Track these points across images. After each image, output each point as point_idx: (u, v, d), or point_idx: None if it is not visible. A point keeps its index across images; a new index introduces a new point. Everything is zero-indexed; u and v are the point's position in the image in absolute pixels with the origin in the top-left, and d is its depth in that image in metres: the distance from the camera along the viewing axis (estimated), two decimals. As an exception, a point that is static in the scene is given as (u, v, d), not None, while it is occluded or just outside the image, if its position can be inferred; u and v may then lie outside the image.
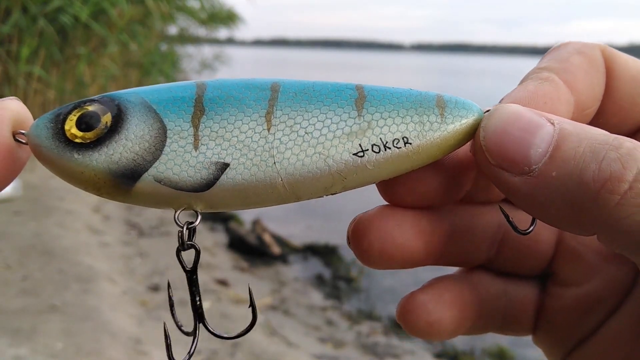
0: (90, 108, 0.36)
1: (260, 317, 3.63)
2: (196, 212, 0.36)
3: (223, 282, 4.09)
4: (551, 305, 0.44)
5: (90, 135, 0.35)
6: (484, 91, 27.25)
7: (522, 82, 0.39)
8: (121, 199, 0.36)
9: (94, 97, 0.37)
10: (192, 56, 12.32)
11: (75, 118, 0.35)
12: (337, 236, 5.23)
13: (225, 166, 0.34)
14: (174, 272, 3.92)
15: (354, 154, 0.35)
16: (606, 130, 0.37)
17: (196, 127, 0.35)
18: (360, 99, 0.36)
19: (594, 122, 0.40)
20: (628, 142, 0.29)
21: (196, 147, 0.35)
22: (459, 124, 0.35)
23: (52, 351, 2.63)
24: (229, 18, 12.93)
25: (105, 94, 0.37)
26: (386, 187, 0.39)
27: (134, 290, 3.58)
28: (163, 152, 0.35)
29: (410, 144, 0.35)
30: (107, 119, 0.35)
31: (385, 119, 0.35)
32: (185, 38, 11.57)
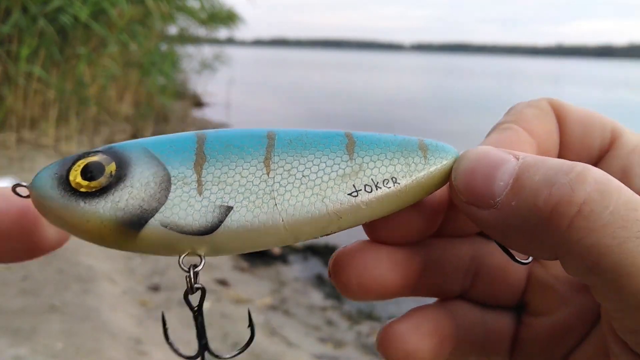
0: (94, 158, 0.37)
1: (260, 317, 3.63)
2: (200, 256, 0.36)
3: (223, 282, 4.09)
4: (525, 335, 0.46)
5: (95, 184, 0.36)
6: (484, 91, 27.26)
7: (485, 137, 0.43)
8: (126, 247, 0.36)
9: (98, 148, 0.38)
10: (192, 56, 12.32)
11: (79, 168, 0.36)
12: (337, 236, 5.21)
13: (229, 209, 0.35)
14: (174, 272, 3.92)
15: (348, 194, 0.37)
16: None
17: (199, 173, 0.36)
18: (350, 144, 0.38)
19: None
20: (579, 166, 0.31)
21: (200, 192, 0.36)
22: (440, 164, 0.38)
23: (52, 351, 2.63)
24: (229, 18, 12.93)
25: (107, 145, 0.38)
26: (372, 226, 0.42)
27: (134, 290, 3.58)
28: (168, 197, 0.35)
29: (399, 183, 0.38)
30: (111, 168, 0.36)
31: (375, 161, 0.38)
32: (185, 38, 11.56)
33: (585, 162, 0.41)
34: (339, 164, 0.37)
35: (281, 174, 0.37)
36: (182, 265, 0.36)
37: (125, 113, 8.68)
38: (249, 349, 0.42)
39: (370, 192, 0.37)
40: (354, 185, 0.37)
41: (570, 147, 0.43)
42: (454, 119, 14.69)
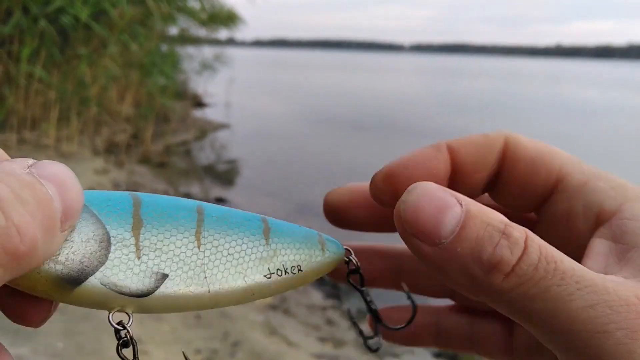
0: None
1: (260, 317, 3.64)
2: (127, 314, 0.39)
3: (223, 282, 4.10)
4: (516, 342, 0.51)
5: None
6: (483, 91, 27.24)
7: None
8: (56, 299, 0.37)
9: None
10: (193, 57, 12.32)
11: None
12: (337, 236, 5.23)
13: (165, 277, 0.39)
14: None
15: (264, 276, 0.42)
16: (510, 202, 0.47)
17: (137, 237, 0.38)
18: (266, 230, 0.43)
19: (499, 193, 0.48)
20: (516, 232, 0.36)
21: (138, 257, 0.38)
22: (333, 256, 0.46)
23: (53, 351, 2.64)
24: (229, 19, 12.92)
25: None
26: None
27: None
28: (108, 258, 0.37)
29: (302, 270, 0.44)
30: None
31: (286, 249, 0.43)
32: (185, 39, 11.57)
33: (530, 200, 0.46)
34: (257, 247, 0.42)
35: (210, 249, 0.40)
36: (112, 323, 0.38)
37: (126, 113, 8.69)
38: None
39: (281, 275, 0.43)
40: (268, 268, 0.42)
41: (513, 186, 0.46)
42: (454, 118, 14.69)
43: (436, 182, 0.43)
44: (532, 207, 0.47)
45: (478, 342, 0.52)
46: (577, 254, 0.40)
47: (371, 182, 0.46)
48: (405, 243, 0.38)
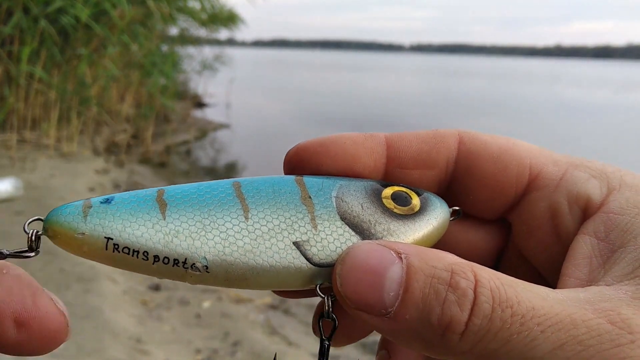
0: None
1: (260, 317, 3.64)
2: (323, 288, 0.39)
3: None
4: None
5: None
6: (482, 91, 27.24)
7: None
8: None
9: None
10: (193, 57, 12.33)
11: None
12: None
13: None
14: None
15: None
16: (477, 207, 0.42)
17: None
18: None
19: (463, 198, 0.43)
20: (463, 282, 0.32)
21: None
22: None
23: (53, 351, 2.64)
24: (229, 19, 12.93)
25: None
26: None
27: (134, 290, 3.59)
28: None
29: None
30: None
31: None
32: (186, 39, 11.57)
33: (501, 201, 0.42)
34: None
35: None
36: (319, 292, 0.38)
37: (126, 113, 8.69)
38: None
39: None
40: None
41: (483, 186, 0.42)
42: (454, 118, 14.69)
43: (360, 170, 0.42)
44: (502, 210, 0.43)
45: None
46: (563, 256, 0.38)
47: (286, 155, 0.43)
48: (353, 316, 0.35)
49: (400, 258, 0.33)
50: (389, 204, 0.40)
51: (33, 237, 0.38)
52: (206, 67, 12.70)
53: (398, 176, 0.42)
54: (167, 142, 9.25)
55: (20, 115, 6.63)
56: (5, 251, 0.37)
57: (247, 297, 3.80)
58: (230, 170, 8.71)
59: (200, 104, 13.88)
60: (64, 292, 3.21)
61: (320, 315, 0.38)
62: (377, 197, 0.41)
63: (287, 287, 0.38)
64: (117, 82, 8.12)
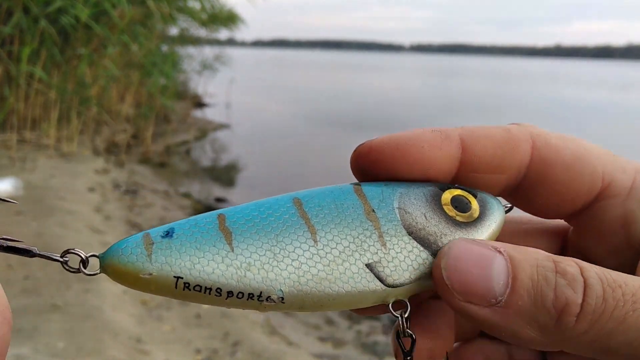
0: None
1: (260, 316, 3.64)
2: (406, 302, 0.38)
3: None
4: None
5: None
6: (482, 91, 27.24)
7: None
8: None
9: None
10: (193, 57, 12.33)
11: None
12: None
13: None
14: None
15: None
16: (541, 209, 0.42)
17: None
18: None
19: (527, 199, 0.42)
20: (569, 267, 0.33)
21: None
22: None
23: (53, 351, 2.64)
24: (229, 19, 12.94)
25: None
26: None
27: (134, 290, 3.59)
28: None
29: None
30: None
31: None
32: (186, 39, 11.58)
33: (568, 208, 0.41)
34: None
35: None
36: (391, 310, 0.38)
37: (126, 113, 8.69)
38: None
39: None
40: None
41: (553, 192, 0.41)
42: (454, 118, 14.69)
43: (434, 175, 0.40)
44: (566, 214, 0.42)
45: None
46: (635, 261, 0.38)
47: (354, 152, 0.41)
48: (457, 312, 0.35)
49: (500, 252, 0.34)
50: (450, 211, 0.39)
51: (87, 273, 0.37)
52: (206, 67, 12.70)
53: (467, 180, 0.41)
54: (167, 142, 9.25)
55: (20, 115, 6.63)
56: (35, 250, 0.35)
57: (247, 297, 3.81)
58: (230, 170, 8.71)
59: (200, 104, 13.88)
60: (64, 291, 3.21)
61: (396, 334, 0.38)
62: (437, 205, 0.39)
63: (359, 307, 0.38)
64: (117, 82, 8.12)
